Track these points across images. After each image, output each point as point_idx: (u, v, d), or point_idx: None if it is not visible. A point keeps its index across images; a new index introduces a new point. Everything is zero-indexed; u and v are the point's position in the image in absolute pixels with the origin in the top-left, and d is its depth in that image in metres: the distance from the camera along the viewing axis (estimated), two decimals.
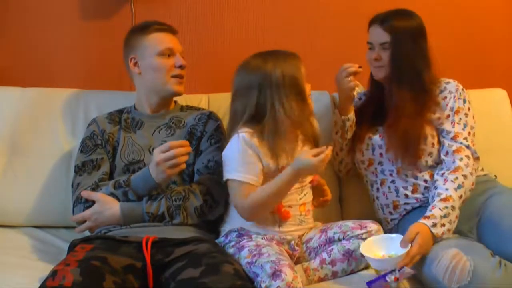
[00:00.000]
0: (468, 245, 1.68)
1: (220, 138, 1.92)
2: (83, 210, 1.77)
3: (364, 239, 1.71)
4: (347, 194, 2.15)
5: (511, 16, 2.56)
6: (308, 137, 1.81)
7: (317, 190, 1.88)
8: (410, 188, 1.87)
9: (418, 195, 1.86)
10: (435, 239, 1.69)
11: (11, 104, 2.13)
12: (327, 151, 1.62)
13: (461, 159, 1.81)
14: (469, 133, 1.87)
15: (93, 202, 1.77)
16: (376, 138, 1.93)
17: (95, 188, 1.80)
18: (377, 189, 1.95)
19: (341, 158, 2.05)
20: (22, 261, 1.78)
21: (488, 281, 1.53)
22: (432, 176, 1.85)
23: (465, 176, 1.78)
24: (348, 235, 1.73)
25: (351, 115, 1.95)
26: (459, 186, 1.77)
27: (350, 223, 1.77)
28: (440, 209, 1.72)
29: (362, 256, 1.65)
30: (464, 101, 1.90)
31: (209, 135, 1.92)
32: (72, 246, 1.68)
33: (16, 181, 2.05)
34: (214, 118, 1.98)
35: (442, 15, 2.44)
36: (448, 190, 1.76)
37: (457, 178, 1.78)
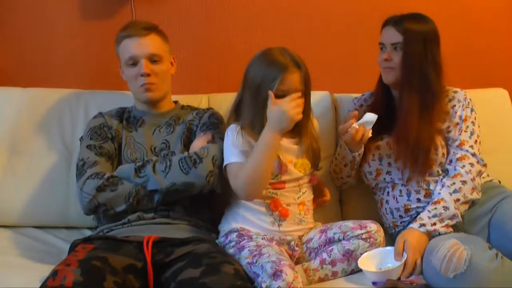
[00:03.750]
0: (467, 237, 1.69)
1: (213, 123, 1.92)
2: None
3: (364, 239, 1.72)
4: (347, 195, 2.15)
5: (511, 15, 2.56)
6: (301, 138, 1.82)
7: (316, 190, 1.88)
8: (423, 192, 1.86)
9: (430, 200, 1.84)
10: (431, 236, 1.71)
11: (11, 104, 2.12)
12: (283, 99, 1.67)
13: (463, 166, 1.81)
14: (475, 141, 1.87)
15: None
16: (384, 147, 1.91)
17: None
18: (388, 193, 1.93)
19: (347, 181, 2.03)
20: (22, 261, 1.78)
21: (484, 271, 1.54)
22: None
23: (464, 182, 1.79)
24: (348, 235, 1.74)
25: (362, 149, 1.90)
26: (455, 191, 1.77)
27: (350, 223, 1.77)
28: (428, 211, 1.75)
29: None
30: (472, 110, 1.91)
31: (201, 123, 1.93)
32: (73, 246, 1.69)
33: (16, 181, 2.04)
34: (211, 112, 1.99)
35: (443, 15, 2.44)
36: (441, 194, 1.78)
37: (454, 183, 1.79)
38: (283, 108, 1.66)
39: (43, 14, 2.37)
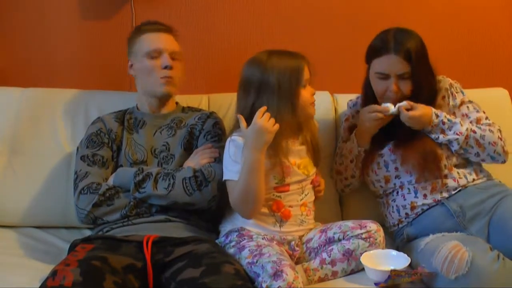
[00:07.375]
0: (468, 239, 1.69)
1: (217, 134, 1.92)
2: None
3: (363, 238, 1.71)
4: (348, 195, 2.14)
5: (511, 15, 2.56)
6: (305, 138, 1.82)
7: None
8: (429, 187, 1.85)
9: (436, 196, 1.85)
10: (432, 119, 1.80)
11: (11, 104, 2.13)
12: (257, 113, 1.65)
13: (491, 130, 1.84)
14: (484, 112, 1.90)
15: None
16: (387, 154, 1.90)
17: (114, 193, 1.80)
18: (397, 192, 1.92)
19: (350, 182, 2.02)
20: (22, 261, 1.78)
21: (486, 272, 1.54)
22: (452, 169, 1.86)
23: (491, 131, 1.83)
24: (348, 235, 1.73)
25: (368, 145, 1.91)
26: (477, 129, 1.81)
27: (349, 223, 1.77)
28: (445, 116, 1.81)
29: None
30: (463, 93, 1.93)
31: (206, 131, 1.93)
32: (73, 246, 1.69)
33: (16, 181, 2.04)
34: (213, 117, 1.99)
35: (443, 15, 2.44)
36: (463, 126, 1.82)
37: (479, 126, 1.83)
38: (258, 124, 1.64)
39: (42, 14, 2.37)
